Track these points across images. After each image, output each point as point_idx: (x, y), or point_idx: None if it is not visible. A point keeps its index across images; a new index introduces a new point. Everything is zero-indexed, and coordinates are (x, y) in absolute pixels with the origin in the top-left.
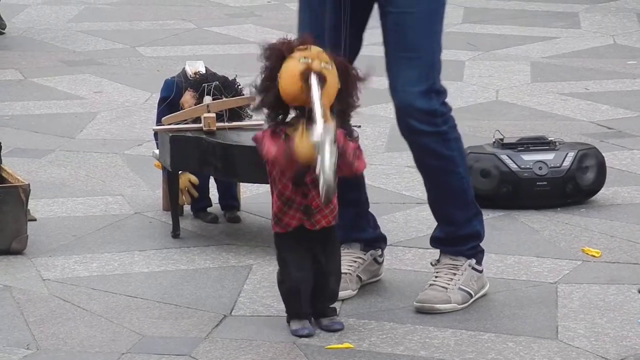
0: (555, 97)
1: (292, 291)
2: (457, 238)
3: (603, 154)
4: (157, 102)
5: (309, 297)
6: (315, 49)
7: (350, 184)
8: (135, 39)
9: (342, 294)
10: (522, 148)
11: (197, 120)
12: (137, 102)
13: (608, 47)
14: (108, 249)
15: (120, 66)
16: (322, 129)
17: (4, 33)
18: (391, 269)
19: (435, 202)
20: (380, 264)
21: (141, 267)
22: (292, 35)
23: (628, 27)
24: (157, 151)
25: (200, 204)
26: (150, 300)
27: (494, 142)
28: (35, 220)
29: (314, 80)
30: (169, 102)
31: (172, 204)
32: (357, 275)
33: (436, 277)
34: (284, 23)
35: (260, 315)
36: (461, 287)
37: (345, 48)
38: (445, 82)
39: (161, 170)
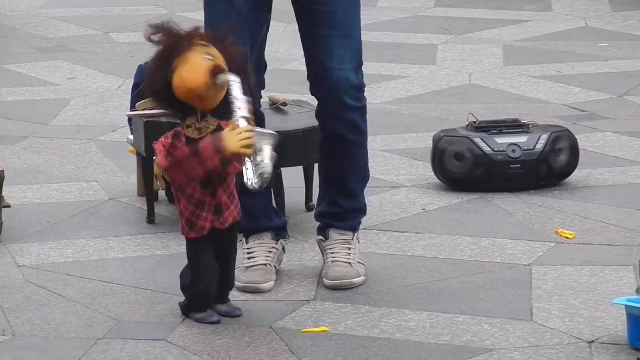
0: (527, 80)
1: (204, 294)
2: (353, 211)
3: (576, 137)
4: (131, 88)
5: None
6: (213, 49)
7: None
8: (107, 25)
9: (265, 285)
10: (496, 131)
11: None
12: (111, 88)
13: (580, 29)
14: (83, 235)
15: (93, 52)
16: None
17: None
18: (366, 252)
19: (339, 177)
20: (284, 252)
21: (117, 253)
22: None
23: (599, 9)
24: (131, 137)
25: None
26: (126, 285)
27: (468, 125)
28: (9, 207)
29: (234, 78)
30: (142, 88)
31: (147, 189)
32: (275, 266)
33: (333, 253)
34: None
35: (237, 300)
36: (359, 261)
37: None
38: (418, 66)
39: (136, 156)
